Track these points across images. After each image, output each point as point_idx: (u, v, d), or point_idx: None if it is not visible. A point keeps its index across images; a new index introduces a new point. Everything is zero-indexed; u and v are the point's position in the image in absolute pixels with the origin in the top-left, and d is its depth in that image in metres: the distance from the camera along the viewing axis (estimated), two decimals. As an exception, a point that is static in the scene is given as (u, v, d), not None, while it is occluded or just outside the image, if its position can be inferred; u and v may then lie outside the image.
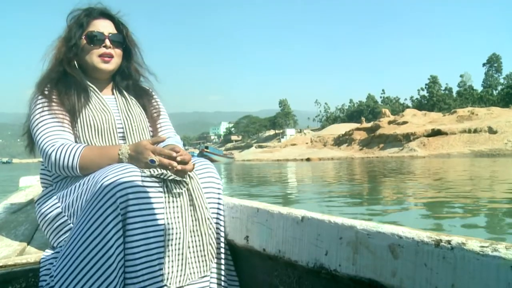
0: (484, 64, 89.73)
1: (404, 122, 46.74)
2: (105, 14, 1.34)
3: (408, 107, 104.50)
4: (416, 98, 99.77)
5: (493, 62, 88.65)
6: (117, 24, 1.35)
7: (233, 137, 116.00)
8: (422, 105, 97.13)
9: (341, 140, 58.22)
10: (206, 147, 48.15)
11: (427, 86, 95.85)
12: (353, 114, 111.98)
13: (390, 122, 50.10)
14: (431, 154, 34.61)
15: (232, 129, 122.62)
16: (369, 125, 56.21)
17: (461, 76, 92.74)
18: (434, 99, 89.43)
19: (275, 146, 71.62)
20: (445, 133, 38.88)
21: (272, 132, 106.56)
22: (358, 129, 56.01)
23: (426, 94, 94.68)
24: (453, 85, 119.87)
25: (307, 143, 78.34)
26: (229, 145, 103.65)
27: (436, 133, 39.84)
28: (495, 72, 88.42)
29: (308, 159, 37.28)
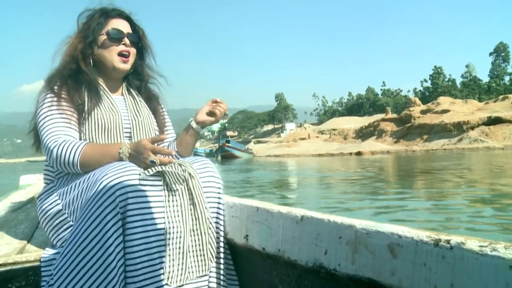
0: (490, 54, 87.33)
1: (445, 111, 42.12)
2: (122, 15, 1.36)
3: (409, 99, 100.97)
4: (419, 90, 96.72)
5: (500, 52, 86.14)
6: (133, 24, 1.37)
7: (229, 133, 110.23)
8: (425, 97, 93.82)
9: (364, 133, 53.22)
10: (228, 141, 41.66)
11: (431, 77, 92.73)
12: (353, 108, 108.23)
13: (423, 112, 45.30)
14: (506, 145, 29.75)
15: (226, 124, 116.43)
16: (394, 115, 51.29)
17: (466, 66, 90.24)
18: (439, 90, 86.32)
19: (289, 141, 65.87)
20: (508, 121, 34.27)
21: (270, 126, 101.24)
22: (384, 120, 51.05)
23: (430, 86, 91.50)
24: (456, 76, 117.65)
25: (317, 137, 72.93)
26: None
27: (494, 121, 35.22)
28: (502, 62, 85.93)
29: (359, 153, 31.76)
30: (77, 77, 1.27)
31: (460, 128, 37.16)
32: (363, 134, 53.29)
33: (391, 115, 52.53)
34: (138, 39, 1.37)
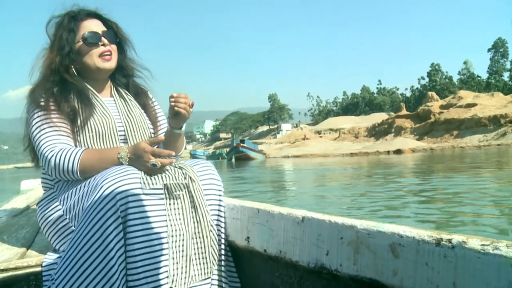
0: (489, 50, 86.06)
1: (470, 105, 39.04)
2: (91, 14, 1.31)
3: (407, 97, 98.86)
4: (417, 88, 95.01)
5: (499, 47, 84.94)
6: (104, 21, 1.32)
7: (222, 135, 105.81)
8: (423, 95, 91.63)
9: (378, 131, 49.79)
10: (242, 141, 37.16)
11: (428, 75, 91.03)
12: (348, 107, 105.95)
13: (443, 107, 42.20)
14: None
15: (219, 126, 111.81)
16: (407, 111, 48.15)
17: (464, 63, 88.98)
18: (437, 88, 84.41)
19: (290, 141, 61.90)
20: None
21: (265, 127, 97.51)
22: (399, 116, 47.75)
23: (427, 83, 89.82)
24: (452, 73, 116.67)
25: (321, 136, 69.17)
26: (218, 143, 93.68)
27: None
28: (501, 58, 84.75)
29: (398, 151, 28.04)
30: (64, 87, 1.23)
31: (496, 122, 34.11)
32: (376, 132, 49.96)
33: (405, 111, 49.34)
34: (114, 35, 1.32)
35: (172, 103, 1.23)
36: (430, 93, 50.04)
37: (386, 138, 44.75)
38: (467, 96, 42.97)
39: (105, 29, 1.29)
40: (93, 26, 1.27)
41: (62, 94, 1.21)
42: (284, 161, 27.53)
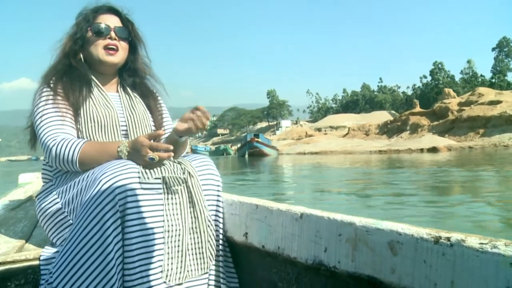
0: (493, 49, 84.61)
1: (494, 102, 36.85)
2: (111, 10, 1.35)
3: (409, 96, 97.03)
4: (419, 86, 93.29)
5: (503, 47, 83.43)
6: (123, 19, 1.36)
7: (220, 131, 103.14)
8: (425, 93, 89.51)
9: (390, 128, 47.35)
10: (257, 135, 34.24)
11: (431, 73, 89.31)
12: (348, 105, 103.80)
13: (463, 104, 39.93)
14: None
15: (216, 122, 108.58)
16: (421, 109, 45.78)
17: (468, 62, 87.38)
18: (440, 86, 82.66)
19: (295, 138, 59.08)
20: None
21: (264, 124, 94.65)
22: (413, 114, 45.34)
23: (430, 82, 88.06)
24: (455, 72, 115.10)
25: (325, 133, 66.44)
26: (215, 139, 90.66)
27: None
28: (505, 57, 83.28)
29: (433, 149, 25.52)
30: (71, 73, 1.27)
31: (529, 120, 31.90)
32: (388, 129, 47.59)
33: (419, 108, 46.98)
34: (128, 33, 1.35)
35: (194, 117, 1.19)
36: (446, 89, 47.88)
37: (401, 136, 42.29)
38: (488, 93, 40.83)
39: (120, 25, 1.32)
40: (108, 20, 1.31)
41: (69, 81, 1.24)
42: (304, 158, 24.64)
